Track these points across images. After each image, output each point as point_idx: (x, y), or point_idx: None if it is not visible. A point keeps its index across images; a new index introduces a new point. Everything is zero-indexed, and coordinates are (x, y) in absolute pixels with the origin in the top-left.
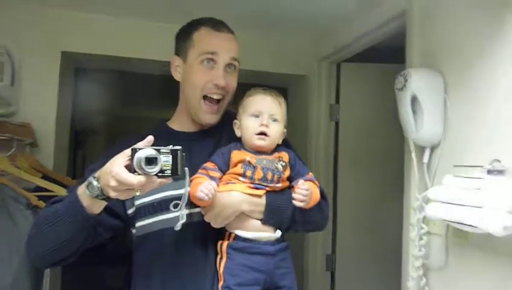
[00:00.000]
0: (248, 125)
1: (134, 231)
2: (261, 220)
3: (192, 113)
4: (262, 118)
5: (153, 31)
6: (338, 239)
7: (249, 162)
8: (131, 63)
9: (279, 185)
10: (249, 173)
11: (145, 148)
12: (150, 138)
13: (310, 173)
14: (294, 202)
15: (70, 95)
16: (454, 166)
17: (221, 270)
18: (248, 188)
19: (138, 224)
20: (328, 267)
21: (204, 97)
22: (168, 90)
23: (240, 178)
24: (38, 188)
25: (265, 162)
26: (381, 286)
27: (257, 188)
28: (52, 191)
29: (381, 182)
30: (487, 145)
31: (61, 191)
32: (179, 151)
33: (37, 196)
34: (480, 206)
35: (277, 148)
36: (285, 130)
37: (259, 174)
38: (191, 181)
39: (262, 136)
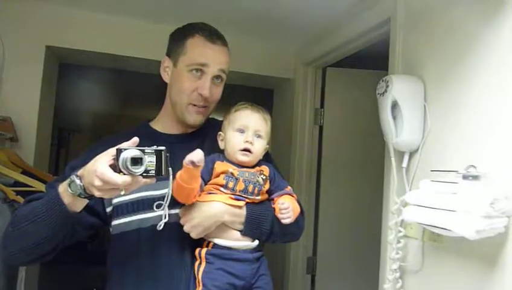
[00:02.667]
0: (232, 140)
1: (110, 229)
2: (240, 231)
3: (179, 113)
4: (247, 134)
5: (140, 29)
6: (319, 242)
7: (232, 173)
8: (117, 60)
9: (259, 197)
10: (231, 185)
11: (130, 148)
12: (135, 139)
13: (289, 187)
14: (282, 221)
15: (54, 91)
16: (432, 171)
17: (199, 275)
18: (229, 199)
19: (114, 222)
20: (309, 270)
21: (189, 104)
22: (154, 90)
23: (222, 189)
24: (18, 183)
25: (247, 174)
26: (360, 289)
27: (238, 199)
28: (31, 187)
29: (362, 185)
30: (464, 151)
31: (41, 187)
32: (163, 152)
33: (15, 191)
34: (455, 210)
35: (258, 162)
36: (267, 145)
37: (240, 186)
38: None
39: (246, 152)
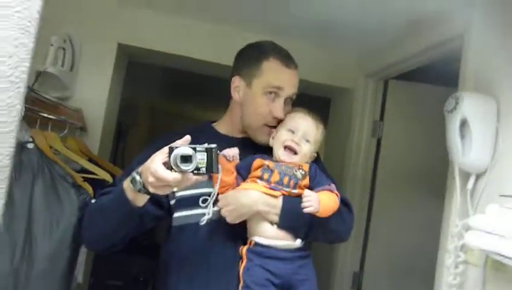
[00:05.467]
0: (280, 137)
1: (172, 221)
2: (277, 223)
3: (249, 132)
4: (296, 135)
5: (206, 32)
6: (367, 257)
7: (268, 166)
8: (181, 61)
9: (296, 191)
10: (266, 176)
11: (182, 146)
12: (187, 137)
13: (332, 185)
14: (304, 210)
15: (121, 87)
16: (500, 196)
17: (241, 271)
18: (264, 188)
19: (176, 215)
20: (354, 285)
21: (263, 125)
22: (215, 92)
23: (258, 180)
24: (83, 170)
25: (284, 167)
26: None
27: (273, 190)
28: (96, 175)
29: (419, 204)
30: None
31: (104, 176)
32: (213, 150)
33: (82, 178)
34: None
35: None
36: (315, 154)
37: (275, 177)
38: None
39: (289, 153)
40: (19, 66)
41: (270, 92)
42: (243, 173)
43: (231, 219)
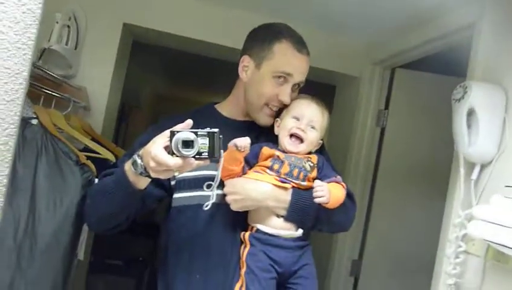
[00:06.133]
0: (286, 124)
1: (172, 202)
2: (283, 216)
3: (250, 111)
4: (302, 122)
5: (215, 14)
6: (367, 245)
7: (278, 156)
8: (187, 43)
9: (305, 183)
10: (276, 167)
11: (183, 130)
12: (189, 122)
13: (338, 177)
14: (315, 200)
15: (125, 67)
16: (506, 186)
17: (244, 257)
18: (275, 180)
19: (176, 195)
20: (353, 273)
21: (265, 104)
22: (221, 77)
23: (267, 171)
24: (86, 149)
25: (294, 159)
26: None
27: (283, 182)
28: (99, 154)
29: (420, 193)
30: None
31: (107, 155)
32: (216, 134)
33: (86, 156)
34: None
35: (309, 153)
36: (321, 141)
37: (285, 169)
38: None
39: (294, 142)
40: (26, 32)
41: (279, 77)
42: (250, 161)
43: (235, 207)
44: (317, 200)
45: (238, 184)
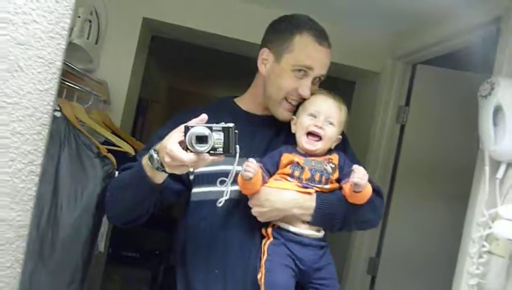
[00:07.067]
0: (302, 123)
1: (190, 196)
2: (308, 222)
3: (269, 106)
4: (319, 119)
5: (234, 9)
6: (385, 243)
7: (298, 163)
8: (206, 38)
9: (328, 186)
10: (296, 173)
11: (197, 125)
12: (204, 116)
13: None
14: (351, 179)
15: (144, 61)
16: None
17: (266, 246)
18: (296, 186)
19: (194, 190)
20: (370, 271)
21: (285, 98)
22: (239, 72)
23: (288, 178)
24: (106, 142)
25: (314, 163)
26: None
27: (306, 188)
28: (119, 147)
29: (441, 193)
30: None
31: (127, 148)
32: (231, 129)
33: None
34: None
35: (329, 151)
36: (340, 136)
37: (306, 174)
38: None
39: (312, 141)
40: (59, 21)
41: (299, 70)
42: (270, 169)
43: (262, 219)
44: (355, 180)
45: (262, 196)
